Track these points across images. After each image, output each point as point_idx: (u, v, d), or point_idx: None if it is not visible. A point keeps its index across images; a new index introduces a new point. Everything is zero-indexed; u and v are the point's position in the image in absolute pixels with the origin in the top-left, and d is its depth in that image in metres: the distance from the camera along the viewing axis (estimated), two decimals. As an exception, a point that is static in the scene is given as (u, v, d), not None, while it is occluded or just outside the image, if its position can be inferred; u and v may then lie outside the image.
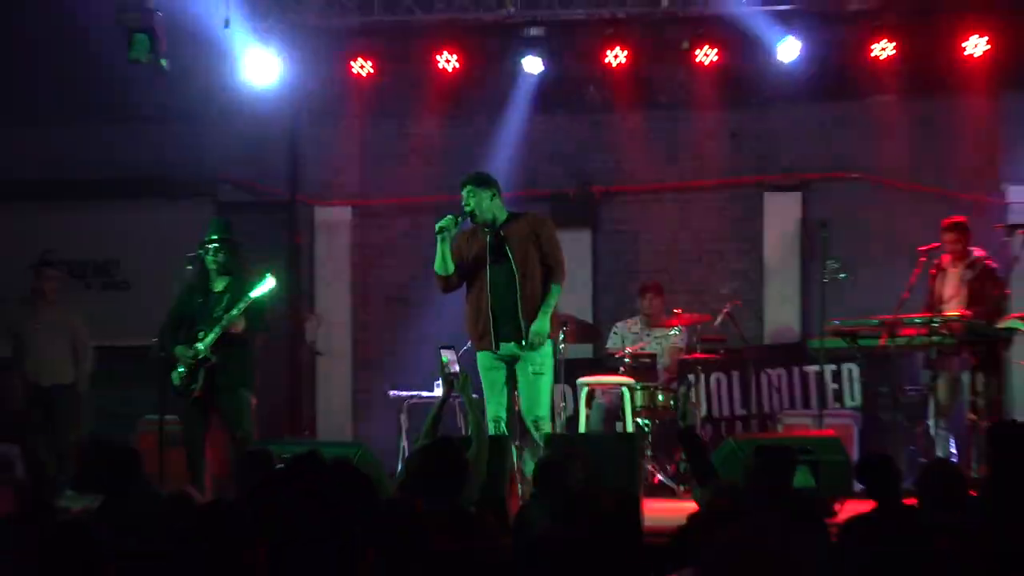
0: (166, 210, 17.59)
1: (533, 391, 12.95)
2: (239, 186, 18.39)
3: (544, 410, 12.91)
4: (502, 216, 13.18)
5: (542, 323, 12.99)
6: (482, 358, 13.07)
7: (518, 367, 12.98)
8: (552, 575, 5.21)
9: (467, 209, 13.03)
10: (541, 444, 12.47)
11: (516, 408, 13.06)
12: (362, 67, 17.77)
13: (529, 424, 12.86)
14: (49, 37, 17.23)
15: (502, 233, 13.09)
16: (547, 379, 13.03)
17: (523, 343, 12.89)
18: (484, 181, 13.19)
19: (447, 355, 11.87)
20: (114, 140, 18.44)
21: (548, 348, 13.02)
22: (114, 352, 16.96)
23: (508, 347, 13.02)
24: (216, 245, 13.55)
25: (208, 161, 18.22)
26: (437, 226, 12.84)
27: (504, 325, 13.03)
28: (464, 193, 13.09)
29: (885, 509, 9.34)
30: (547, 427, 12.84)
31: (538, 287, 13.05)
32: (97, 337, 16.72)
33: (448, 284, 13.29)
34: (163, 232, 16.91)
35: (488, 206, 13.10)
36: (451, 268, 13.10)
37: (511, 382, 13.08)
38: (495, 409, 13.01)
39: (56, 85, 17.94)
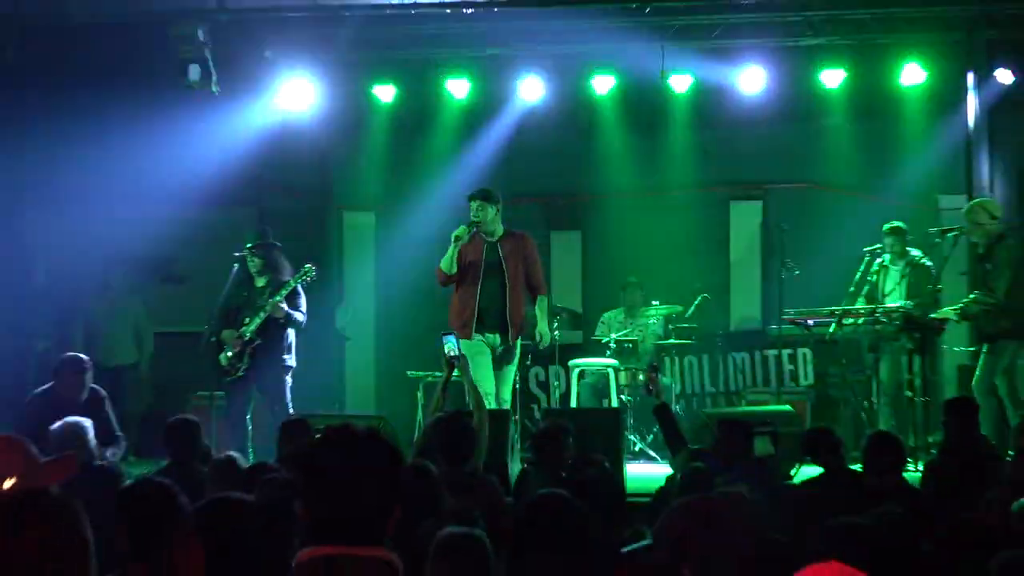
0: (218, 215, 17.55)
1: (505, 378, 13.44)
2: (281, 194, 18.36)
3: (508, 394, 13.54)
4: (500, 231, 13.60)
5: (543, 325, 13.73)
6: (466, 345, 13.07)
7: (499, 356, 13.39)
8: (548, 531, 5.22)
9: (475, 219, 13.17)
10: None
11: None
12: (384, 92, 17.79)
13: (496, 403, 13.16)
14: (116, 67, 17.24)
15: (499, 248, 13.48)
16: (513, 369, 13.61)
17: (508, 338, 13.40)
18: (491, 197, 13.63)
19: (448, 341, 11.94)
20: (175, 158, 18.48)
21: (519, 346, 13.61)
22: (171, 337, 17.02)
23: (493, 338, 13.41)
24: (252, 251, 13.66)
25: (254, 173, 18.22)
26: (454, 234, 13.35)
27: (489, 320, 13.43)
28: (474, 206, 13.39)
29: (831, 473, 9.44)
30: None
31: (520, 295, 13.52)
32: (156, 324, 16.82)
33: (448, 280, 13.65)
34: (215, 234, 16.90)
35: (492, 219, 13.52)
36: (455, 269, 13.50)
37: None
38: (487, 385, 13.14)
39: (125, 108, 17.95)
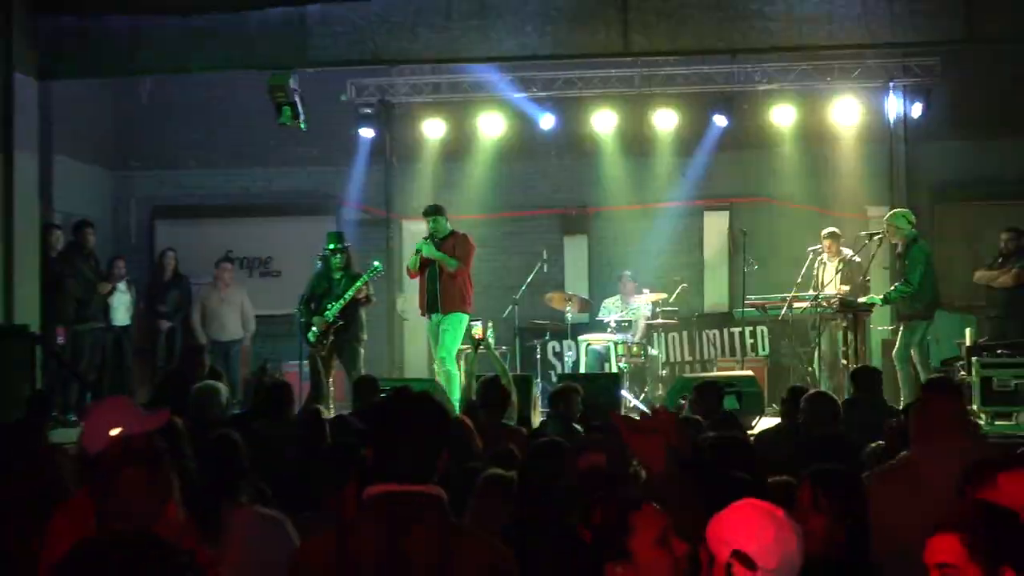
0: (305, 223, 17.56)
1: (443, 343, 13.76)
2: (355, 208, 18.37)
3: (444, 353, 13.79)
4: (446, 232, 13.98)
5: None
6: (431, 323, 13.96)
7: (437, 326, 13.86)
8: (560, 468, 5.19)
9: (432, 228, 13.91)
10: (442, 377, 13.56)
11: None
12: (433, 127, 17.81)
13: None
14: (229, 109, 17.29)
15: (440, 246, 13.85)
16: (450, 336, 13.79)
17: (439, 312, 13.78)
18: (441, 211, 14.12)
19: (475, 325, 12.02)
20: (271, 177, 18.51)
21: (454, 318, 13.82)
22: (268, 318, 17.02)
23: (435, 316, 13.86)
24: (333, 250, 13.73)
25: (332, 191, 18.23)
26: (417, 247, 13.97)
27: (430, 300, 13.85)
28: (431, 220, 13.99)
29: (785, 423, 9.39)
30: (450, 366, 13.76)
31: (449, 279, 13.79)
32: (258, 308, 16.80)
33: (413, 275, 14.15)
34: (304, 238, 16.90)
35: (442, 227, 13.87)
36: (417, 268, 13.97)
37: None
38: (434, 351, 14.05)
39: (237, 140, 18.02)
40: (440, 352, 13.77)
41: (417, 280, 14.09)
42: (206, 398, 9.52)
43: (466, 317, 13.80)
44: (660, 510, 3.68)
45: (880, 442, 7.54)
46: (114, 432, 4.95)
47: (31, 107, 14.88)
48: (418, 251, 13.87)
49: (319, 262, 14.15)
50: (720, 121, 16.84)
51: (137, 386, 16.66)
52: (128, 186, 18.87)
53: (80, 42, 15.01)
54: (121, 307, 15.86)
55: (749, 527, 3.62)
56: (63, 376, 14.37)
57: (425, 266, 13.88)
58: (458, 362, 13.87)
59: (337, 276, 13.88)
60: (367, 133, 17.55)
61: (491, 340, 12.56)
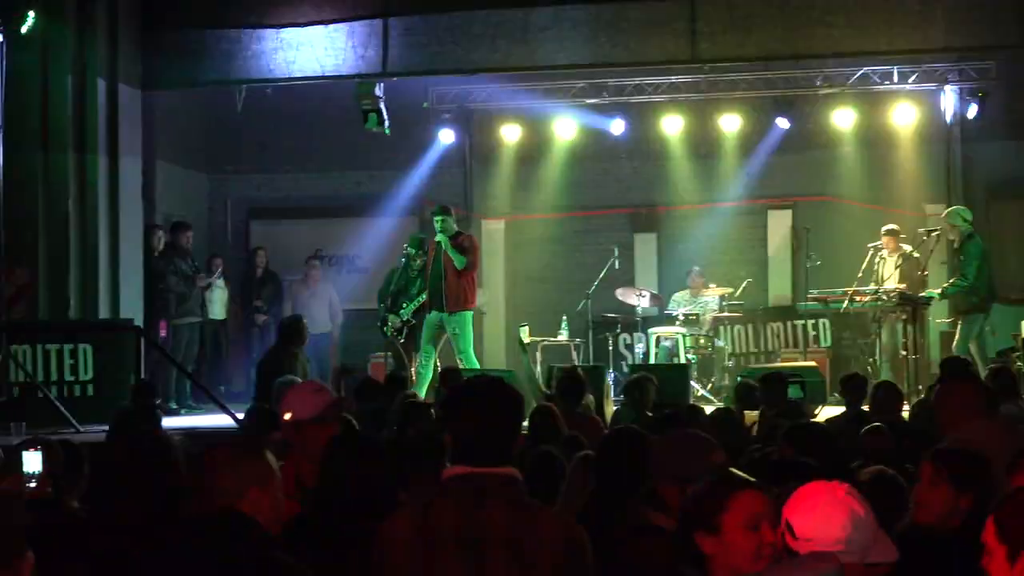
0: (389, 223, 17.68)
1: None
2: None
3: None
4: (453, 231, 13.73)
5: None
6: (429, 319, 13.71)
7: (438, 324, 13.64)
8: (633, 454, 5.21)
9: (440, 227, 13.57)
10: None
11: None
12: (511, 131, 17.87)
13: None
14: (319, 115, 17.45)
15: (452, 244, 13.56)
16: (455, 336, 13.57)
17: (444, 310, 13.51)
18: (448, 211, 13.85)
19: (523, 329, 12.12)
20: (359, 180, 18.65)
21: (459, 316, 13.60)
22: (355, 312, 17.16)
23: (435, 314, 13.65)
24: (413, 255, 13.79)
25: (415, 192, 18.33)
26: (409, 242, 14.02)
27: (435, 299, 13.56)
28: (439, 220, 13.65)
29: (850, 412, 9.36)
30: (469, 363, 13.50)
31: (454, 277, 13.50)
32: (345, 302, 16.96)
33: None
34: (388, 237, 17.02)
35: (450, 227, 13.66)
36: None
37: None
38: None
39: (327, 145, 18.18)
40: (458, 354, 13.57)
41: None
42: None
43: (471, 315, 13.70)
44: (762, 496, 3.72)
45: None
46: (286, 417, 5.01)
47: (135, 116, 15.14)
48: (406, 248, 13.72)
49: (404, 259, 14.28)
50: (783, 123, 16.79)
51: (233, 376, 16.90)
52: (224, 189, 19.11)
53: (180, 55, 15.26)
54: (218, 302, 16.06)
55: (802, 500, 3.71)
56: (164, 367, 14.58)
57: (428, 265, 13.73)
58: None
59: (414, 275, 14.00)
60: (447, 137, 17.64)
61: (527, 343, 12.51)
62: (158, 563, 3.58)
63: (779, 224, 18.13)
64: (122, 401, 11.77)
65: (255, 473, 3.78)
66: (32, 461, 5.04)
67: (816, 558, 3.52)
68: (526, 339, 12.19)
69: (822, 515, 3.66)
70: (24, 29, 13.13)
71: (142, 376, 12.94)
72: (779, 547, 3.67)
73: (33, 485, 5.03)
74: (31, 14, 13.04)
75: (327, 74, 15.16)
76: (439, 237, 13.54)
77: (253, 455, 3.85)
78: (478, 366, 13.49)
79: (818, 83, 16.76)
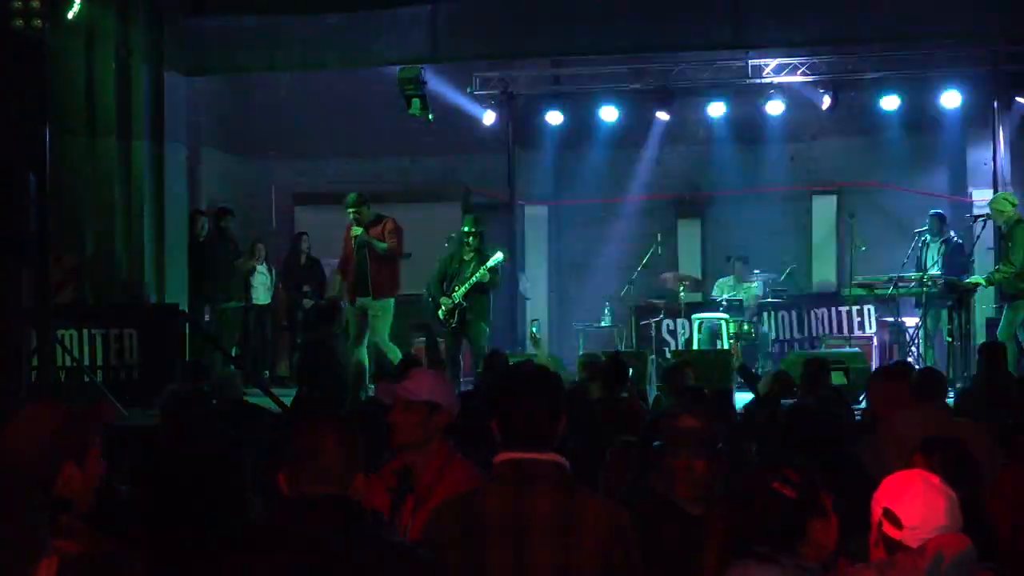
0: (434, 209, 17.69)
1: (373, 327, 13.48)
2: (480, 194, 18.49)
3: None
4: (372, 217, 13.57)
5: None
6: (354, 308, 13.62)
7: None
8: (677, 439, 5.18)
9: (352, 219, 13.45)
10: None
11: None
12: (554, 117, 17.84)
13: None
14: (363, 101, 17.48)
15: (369, 230, 13.44)
16: (377, 321, 13.51)
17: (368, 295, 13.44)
18: (360, 201, 13.55)
19: (534, 325, 12.13)
20: (403, 165, 18.70)
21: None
22: (401, 298, 17.17)
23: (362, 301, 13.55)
24: (468, 232, 13.77)
25: (459, 178, 18.37)
26: (353, 232, 13.42)
27: (363, 286, 13.43)
28: (353, 210, 13.47)
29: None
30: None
31: (376, 263, 13.43)
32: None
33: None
34: (433, 223, 17.04)
35: (366, 214, 13.46)
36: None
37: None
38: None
39: (371, 130, 18.21)
40: (372, 337, 13.51)
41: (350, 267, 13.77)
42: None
43: (394, 301, 13.68)
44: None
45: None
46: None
47: (179, 102, 15.21)
48: (354, 237, 13.52)
49: (450, 243, 14.31)
50: (827, 108, 16.70)
51: (278, 361, 16.97)
52: (268, 174, 19.18)
53: (223, 41, 15.30)
54: (261, 287, 16.14)
55: (899, 488, 3.72)
56: (208, 351, 14.66)
57: (351, 254, 13.63)
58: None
59: (467, 258, 14.01)
60: (490, 123, 17.64)
61: (539, 337, 12.48)
62: (267, 550, 3.56)
63: (824, 210, 18.04)
64: (169, 384, 11.86)
65: (360, 459, 3.77)
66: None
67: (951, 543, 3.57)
68: (538, 335, 12.24)
69: (925, 502, 3.68)
70: (70, 16, 13.20)
71: (187, 360, 13.02)
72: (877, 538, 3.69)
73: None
74: (76, 1, 13.10)
75: (372, 60, 15.18)
76: (355, 230, 13.50)
77: (357, 440, 3.82)
78: (398, 352, 13.43)
79: (863, 67, 16.66)
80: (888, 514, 3.68)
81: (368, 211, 13.60)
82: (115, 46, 14.23)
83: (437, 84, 15.67)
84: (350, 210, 13.52)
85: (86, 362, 12.74)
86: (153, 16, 14.67)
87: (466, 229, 13.92)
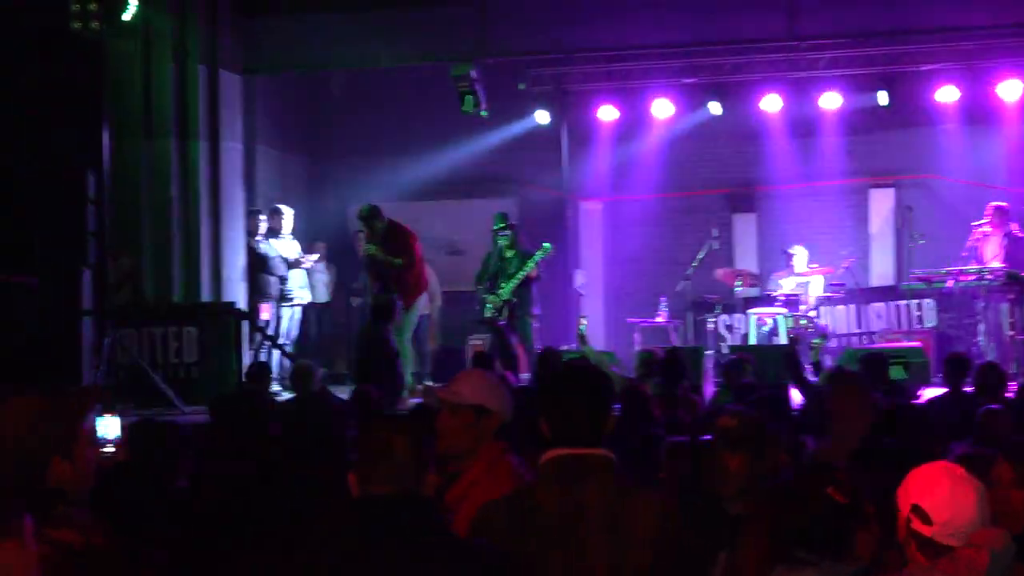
0: (488, 205, 17.69)
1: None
2: (534, 190, 18.51)
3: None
4: (383, 227, 13.91)
5: None
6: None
7: None
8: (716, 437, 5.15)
9: (363, 236, 14.00)
10: None
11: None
12: (607, 113, 17.80)
13: None
14: (416, 98, 17.54)
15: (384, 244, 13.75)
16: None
17: None
18: (372, 215, 13.94)
19: (583, 323, 12.17)
20: (456, 162, 18.72)
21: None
22: (454, 294, 17.25)
23: None
24: (499, 229, 13.85)
25: (512, 174, 18.39)
26: (370, 252, 13.81)
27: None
28: (361, 231, 14.04)
29: (953, 394, 9.23)
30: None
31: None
32: (444, 284, 17.04)
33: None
34: (486, 219, 16.96)
35: (377, 228, 13.85)
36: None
37: None
38: None
39: (424, 127, 18.26)
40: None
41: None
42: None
43: (416, 301, 13.98)
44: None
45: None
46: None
47: (235, 101, 15.35)
48: (369, 256, 13.82)
49: (498, 241, 14.35)
50: (883, 100, 16.54)
51: (335, 358, 17.07)
52: (323, 172, 19.28)
53: (277, 40, 15.44)
54: (319, 285, 16.24)
55: (926, 483, 3.65)
56: (267, 350, 14.77)
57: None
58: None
59: (509, 255, 14.03)
60: (544, 118, 17.63)
61: (586, 335, 12.49)
62: (342, 547, 3.59)
63: (881, 203, 17.92)
64: (227, 383, 11.99)
65: (430, 456, 3.79)
66: (111, 426, 5.00)
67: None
68: (585, 332, 12.23)
69: (954, 497, 3.60)
70: (126, 18, 13.34)
71: (244, 359, 13.14)
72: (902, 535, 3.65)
73: (111, 450, 5.02)
74: (133, 2, 13.24)
75: (424, 57, 15.23)
76: (368, 248, 13.75)
77: (426, 438, 3.83)
78: (409, 355, 13.65)
79: (920, 58, 16.51)
80: (916, 510, 3.61)
81: (380, 224, 13.86)
82: (171, 47, 14.38)
83: (490, 80, 15.69)
84: (360, 231, 13.79)
85: (145, 361, 12.87)
86: (208, 16, 14.81)
87: (496, 227, 14.00)
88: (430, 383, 13.48)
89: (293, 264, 15.40)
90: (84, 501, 3.75)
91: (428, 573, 3.49)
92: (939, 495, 3.60)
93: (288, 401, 10.84)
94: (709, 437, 4.98)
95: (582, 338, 12.20)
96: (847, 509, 3.58)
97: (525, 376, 13.27)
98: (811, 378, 10.33)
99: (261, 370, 11.57)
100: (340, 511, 3.69)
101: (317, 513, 3.69)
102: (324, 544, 3.56)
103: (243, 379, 11.87)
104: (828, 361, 15.02)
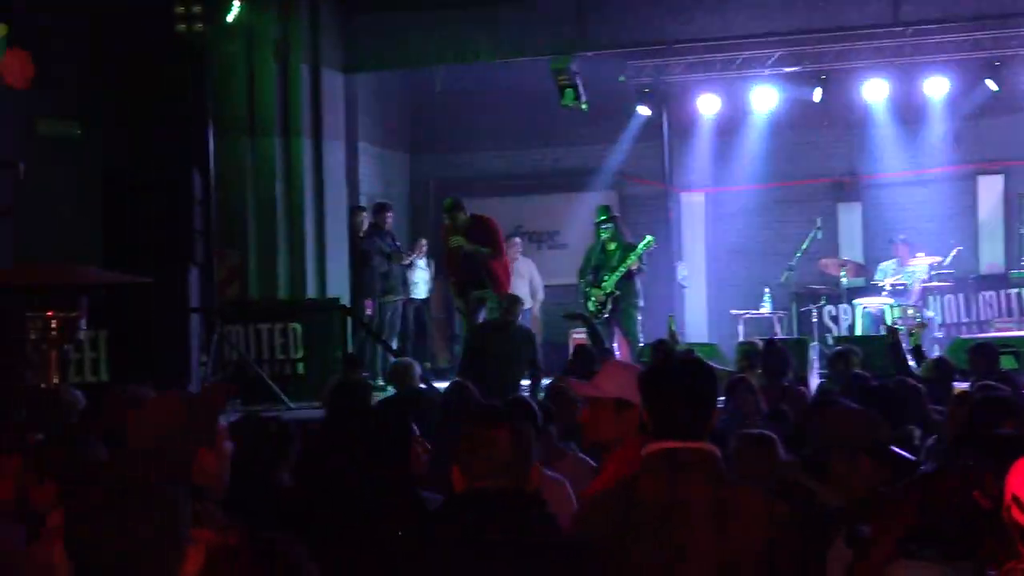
0: (590, 198, 17.65)
1: None
2: (636, 183, 18.48)
3: None
4: (466, 219, 13.89)
5: None
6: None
7: None
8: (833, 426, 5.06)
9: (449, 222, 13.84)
10: None
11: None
12: (708, 102, 17.69)
13: None
14: (516, 92, 17.57)
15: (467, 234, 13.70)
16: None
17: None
18: (455, 207, 13.87)
19: (671, 320, 12.14)
20: (558, 155, 18.76)
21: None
22: (557, 288, 17.26)
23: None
24: (601, 221, 13.83)
25: (614, 167, 18.37)
26: (458, 243, 13.67)
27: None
28: (447, 222, 13.86)
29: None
30: None
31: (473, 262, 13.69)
32: (546, 278, 17.07)
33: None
34: (588, 212, 16.95)
35: (460, 220, 13.77)
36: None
37: None
38: None
39: (524, 122, 18.29)
40: None
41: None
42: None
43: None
44: None
45: None
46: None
47: (338, 99, 15.50)
48: (457, 247, 13.74)
49: (600, 234, 14.34)
50: (992, 85, 16.24)
51: (437, 354, 17.18)
52: (425, 168, 19.39)
53: (378, 37, 15.56)
54: (421, 281, 16.34)
55: None
56: (371, 344, 14.89)
57: (454, 254, 13.89)
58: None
59: (612, 248, 14.01)
60: (645, 111, 17.57)
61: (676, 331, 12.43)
62: (442, 542, 3.62)
63: (990, 190, 17.60)
64: (331, 375, 12.09)
65: (530, 449, 3.81)
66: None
67: None
68: (675, 327, 12.23)
69: None
70: (230, 18, 13.53)
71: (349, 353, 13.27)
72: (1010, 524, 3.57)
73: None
74: (236, 3, 13.42)
75: (524, 51, 15.26)
76: (455, 240, 13.70)
77: (529, 432, 3.84)
78: None
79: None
80: (1017, 500, 3.55)
81: (463, 215, 13.84)
82: (274, 46, 14.56)
83: (590, 73, 15.67)
84: (445, 215, 13.88)
85: (252, 357, 13.05)
86: (310, 16, 14.98)
87: (598, 220, 14.00)
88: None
89: (395, 260, 15.50)
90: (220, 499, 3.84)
91: (529, 567, 3.50)
92: None
93: (390, 397, 10.91)
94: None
95: (672, 335, 12.20)
96: (990, 515, 3.52)
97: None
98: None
99: (353, 360, 11.71)
100: (446, 506, 3.71)
101: (417, 508, 3.71)
102: (426, 539, 3.58)
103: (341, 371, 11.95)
104: (934, 351, 14.82)
